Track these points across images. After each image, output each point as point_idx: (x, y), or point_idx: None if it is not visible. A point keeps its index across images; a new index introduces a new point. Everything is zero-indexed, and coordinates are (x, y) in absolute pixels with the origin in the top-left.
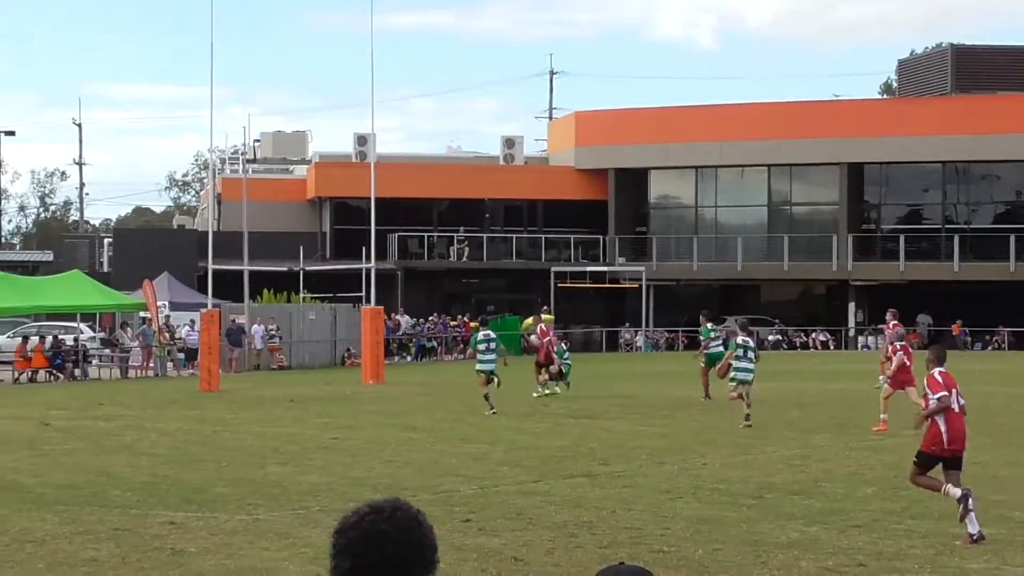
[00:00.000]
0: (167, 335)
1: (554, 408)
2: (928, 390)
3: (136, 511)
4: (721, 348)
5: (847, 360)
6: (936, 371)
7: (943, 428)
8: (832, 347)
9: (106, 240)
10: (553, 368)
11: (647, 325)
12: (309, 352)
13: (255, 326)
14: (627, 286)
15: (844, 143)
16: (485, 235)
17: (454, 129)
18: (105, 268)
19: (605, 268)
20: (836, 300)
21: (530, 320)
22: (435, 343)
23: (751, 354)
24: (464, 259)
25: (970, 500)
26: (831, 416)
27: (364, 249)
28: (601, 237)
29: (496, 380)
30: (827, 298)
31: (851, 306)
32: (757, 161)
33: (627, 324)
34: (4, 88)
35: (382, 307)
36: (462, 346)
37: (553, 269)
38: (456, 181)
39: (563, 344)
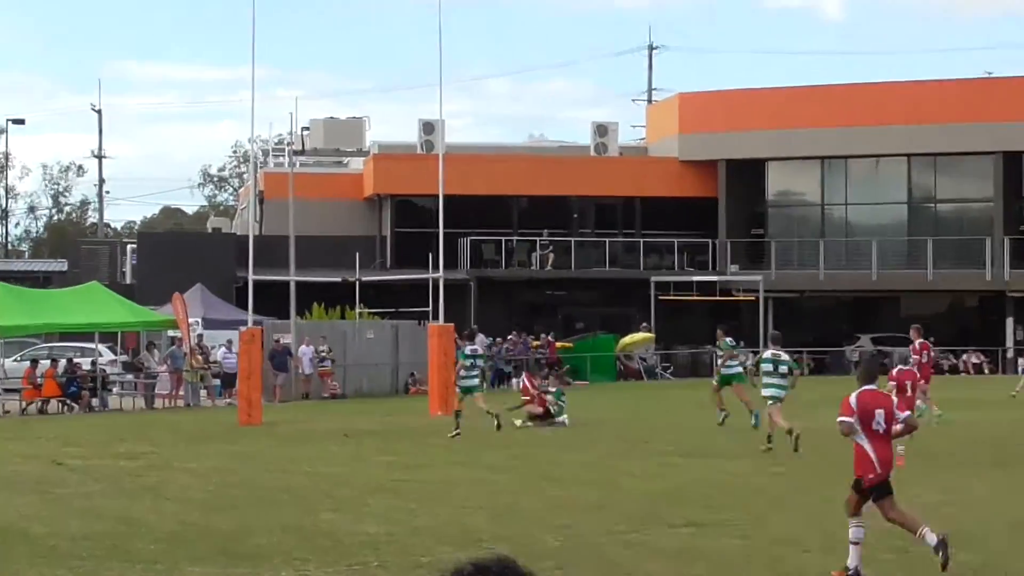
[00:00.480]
0: (200, 358)
1: (657, 445)
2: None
3: (162, 565)
4: (739, 369)
5: (1005, 385)
6: (857, 392)
7: (870, 451)
8: (987, 370)
9: (129, 246)
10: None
11: (765, 346)
12: (367, 377)
13: (303, 347)
14: (741, 299)
15: (999, 128)
16: (573, 239)
17: (536, 115)
18: (128, 279)
19: (715, 278)
20: (991, 315)
21: (628, 339)
22: (514, 366)
23: (783, 368)
24: (548, 267)
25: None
26: (985, 452)
27: (431, 256)
28: (710, 241)
29: (486, 410)
30: (980, 312)
31: (1009, 321)
32: (895, 150)
33: (741, 344)
34: (12, 69)
35: (452, 324)
36: (546, 370)
37: (653, 279)
38: (539, 175)
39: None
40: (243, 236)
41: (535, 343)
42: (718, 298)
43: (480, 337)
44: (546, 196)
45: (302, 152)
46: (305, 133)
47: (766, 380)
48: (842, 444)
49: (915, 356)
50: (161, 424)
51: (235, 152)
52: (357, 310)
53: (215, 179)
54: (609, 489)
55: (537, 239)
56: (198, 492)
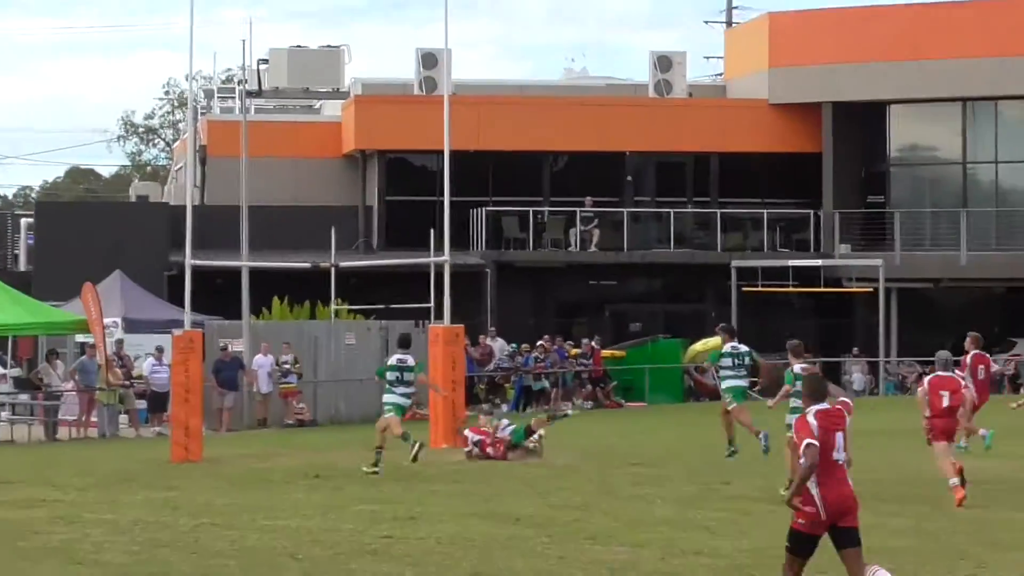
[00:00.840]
0: (119, 372)
1: (741, 488)
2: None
3: None
4: (739, 383)
5: None
6: (812, 410)
7: (815, 491)
8: None
9: (24, 221)
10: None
11: (887, 353)
12: (345, 398)
13: (259, 357)
14: (854, 290)
15: None
16: (625, 210)
17: (575, 42)
18: (22, 265)
19: (818, 262)
20: None
21: (700, 345)
22: (547, 382)
23: (746, 361)
24: (592, 248)
25: None
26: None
27: (433, 233)
28: (811, 213)
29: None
30: None
31: None
32: None
33: (854, 351)
34: None
35: (462, 326)
36: (589, 387)
37: (735, 264)
38: (579, 125)
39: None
40: (178, 207)
41: (574, 351)
42: (823, 290)
43: (500, 342)
44: (589, 152)
45: (258, 94)
46: (263, 68)
47: (725, 375)
48: (1007, 493)
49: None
50: (67, 461)
51: (167, 94)
52: (333, 307)
53: (140, 130)
54: (678, 550)
55: (577, 210)
56: (118, 554)
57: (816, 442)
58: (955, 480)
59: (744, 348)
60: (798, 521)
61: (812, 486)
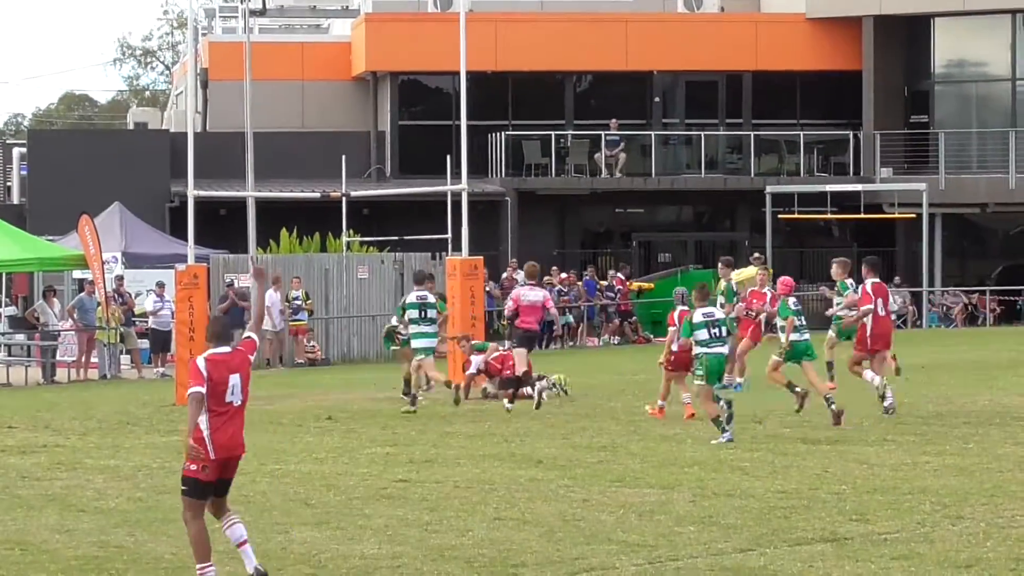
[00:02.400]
0: (118, 309)
1: (774, 427)
2: None
3: None
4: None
5: None
6: (207, 355)
7: (206, 429)
8: None
9: (16, 150)
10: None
11: (931, 283)
12: (359, 335)
13: (268, 292)
14: (897, 216)
15: None
16: (653, 133)
17: None
18: (15, 197)
19: (858, 187)
20: None
21: (734, 276)
22: (572, 317)
23: (431, 313)
24: (618, 173)
25: None
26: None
27: (449, 159)
28: (851, 135)
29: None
30: None
31: None
32: None
33: (896, 281)
34: None
35: (480, 258)
36: (618, 321)
37: (770, 189)
38: (603, 43)
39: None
40: (179, 134)
41: (602, 283)
42: (864, 216)
43: (520, 275)
44: (614, 72)
45: (262, 12)
46: None
47: (413, 330)
48: None
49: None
50: (67, 404)
51: (166, 14)
52: (345, 239)
53: (137, 53)
54: (710, 492)
55: (602, 134)
56: (122, 501)
57: (200, 389)
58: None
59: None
60: (189, 468)
61: (205, 430)
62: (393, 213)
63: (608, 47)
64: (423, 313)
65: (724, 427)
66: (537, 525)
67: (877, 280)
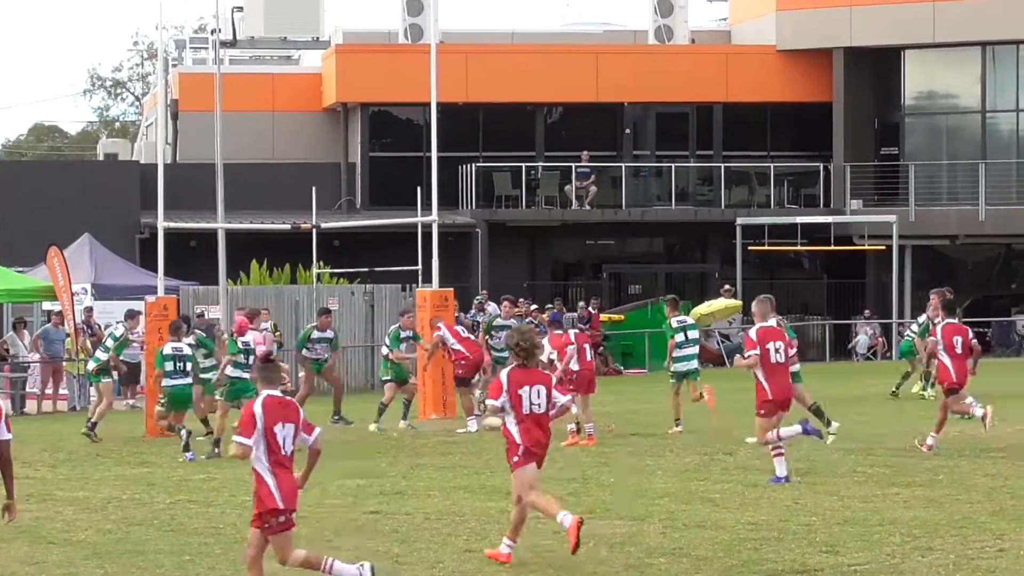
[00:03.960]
0: (88, 341)
1: (745, 459)
2: None
3: None
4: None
5: None
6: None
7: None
8: None
9: None
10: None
11: (900, 315)
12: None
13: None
14: (867, 248)
15: None
16: (624, 165)
17: None
18: None
19: (829, 218)
20: None
21: (704, 308)
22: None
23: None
24: (588, 205)
25: None
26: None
27: (419, 191)
28: (821, 167)
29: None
30: None
31: None
32: None
33: (866, 313)
34: None
35: (451, 290)
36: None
37: (740, 221)
38: (574, 74)
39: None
40: (149, 165)
41: (570, 315)
42: (834, 247)
43: (492, 307)
44: (585, 104)
45: (233, 44)
46: (238, 16)
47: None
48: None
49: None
50: (36, 436)
51: (136, 45)
52: (315, 270)
53: (108, 84)
54: (680, 523)
55: (573, 166)
56: (91, 533)
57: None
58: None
59: (690, 320)
60: None
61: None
62: (364, 245)
63: (579, 79)
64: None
65: None
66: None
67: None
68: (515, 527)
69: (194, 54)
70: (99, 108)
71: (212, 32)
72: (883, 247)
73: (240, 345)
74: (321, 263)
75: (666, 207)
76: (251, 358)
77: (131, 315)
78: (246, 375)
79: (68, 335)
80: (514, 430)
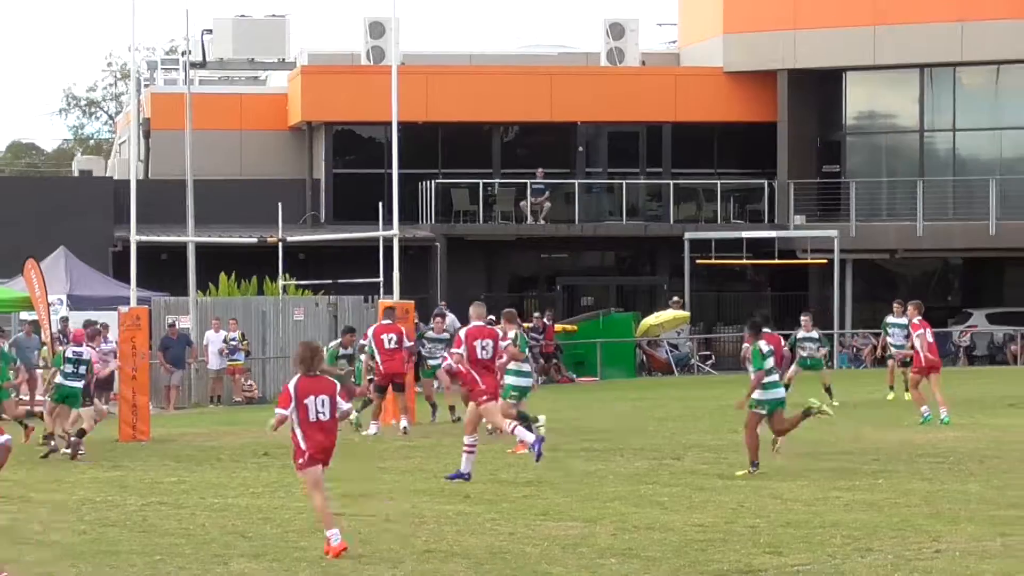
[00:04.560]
0: (62, 349)
1: (692, 463)
2: None
3: None
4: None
5: None
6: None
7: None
8: None
9: None
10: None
11: (841, 326)
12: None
13: (209, 333)
14: (810, 262)
15: None
16: (577, 182)
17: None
18: None
19: (773, 234)
20: None
21: (653, 319)
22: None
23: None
24: (543, 220)
25: None
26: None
27: (382, 206)
28: (766, 183)
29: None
30: None
31: None
32: (1022, 54)
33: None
34: None
35: (412, 301)
36: (542, 361)
37: (688, 236)
38: (530, 95)
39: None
40: (122, 181)
41: (526, 325)
42: (778, 261)
43: (451, 317)
44: (540, 123)
45: (203, 65)
46: (207, 38)
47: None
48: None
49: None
50: (12, 440)
51: (110, 66)
52: (281, 282)
53: (82, 103)
54: (630, 525)
55: (528, 182)
56: (66, 534)
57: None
58: None
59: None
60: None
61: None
62: (328, 258)
63: (534, 99)
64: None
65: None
66: (465, 557)
67: None
68: (326, 519)
69: (165, 75)
70: (74, 127)
71: (183, 54)
72: (825, 261)
73: (72, 355)
74: (287, 275)
75: (617, 222)
76: (81, 368)
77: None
78: (72, 383)
79: (43, 344)
80: (299, 436)
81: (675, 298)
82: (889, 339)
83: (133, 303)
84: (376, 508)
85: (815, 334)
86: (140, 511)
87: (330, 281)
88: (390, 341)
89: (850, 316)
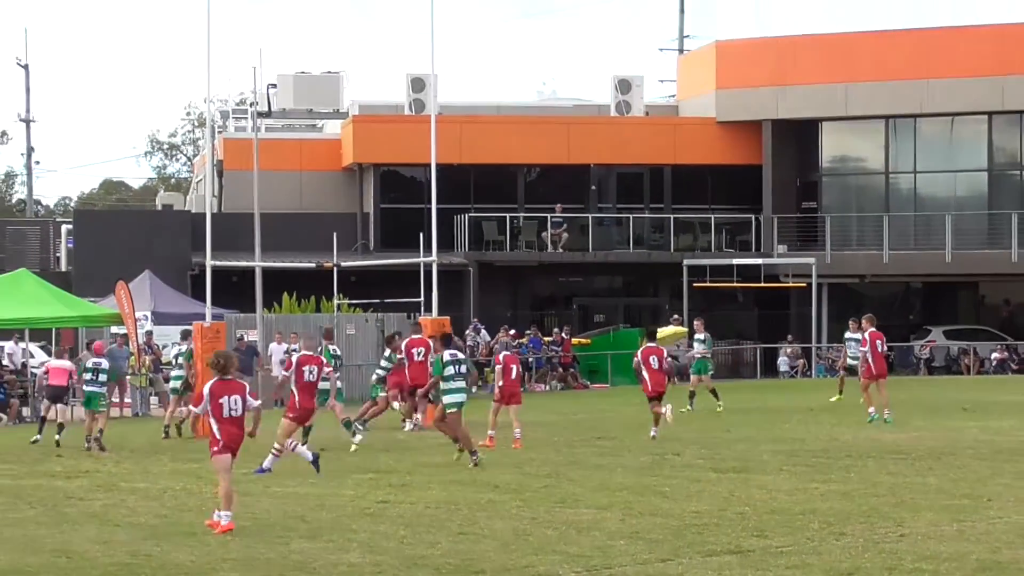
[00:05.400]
0: (148, 359)
1: (690, 458)
2: None
3: None
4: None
5: None
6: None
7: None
8: None
9: (64, 227)
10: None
11: (819, 340)
12: (347, 381)
13: (272, 345)
14: (791, 285)
15: None
16: (591, 215)
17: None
18: (63, 266)
19: (759, 261)
20: None
21: (663, 331)
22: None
23: (463, 368)
24: (561, 249)
25: None
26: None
27: (422, 236)
28: (753, 217)
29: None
30: None
31: None
32: (974, 107)
33: (789, 338)
34: None
35: (448, 318)
36: (560, 370)
37: (686, 262)
38: (550, 140)
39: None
40: (199, 214)
41: (546, 340)
42: (763, 284)
43: (483, 333)
44: (558, 165)
45: (268, 114)
46: (272, 91)
47: (445, 385)
48: (921, 459)
49: (864, 348)
50: (105, 437)
51: (188, 115)
52: (335, 301)
53: (164, 147)
54: (636, 512)
55: (548, 216)
56: (150, 517)
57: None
58: None
59: (461, 356)
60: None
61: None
62: (375, 280)
63: (553, 144)
64: (458, 369)
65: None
66: (494, 539)
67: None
68: (226, 499)
69: (236, 122)
70: (158, 167)
71: (251, 105)
72: (804, 284)
73: (92, 364)
74: (341, 295)
75: (625, 250)
76: (100, 375)
77: (186, 335)
78: (93, 388)
79: (132, 354)
80: (216, 429)
81: (675, 316)
82: (849, 351)
83: (208, 319)
84: (417, 496)
85: (702, 336)
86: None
87: (377, 300)
88: (419, 354)
89: (826, 332)
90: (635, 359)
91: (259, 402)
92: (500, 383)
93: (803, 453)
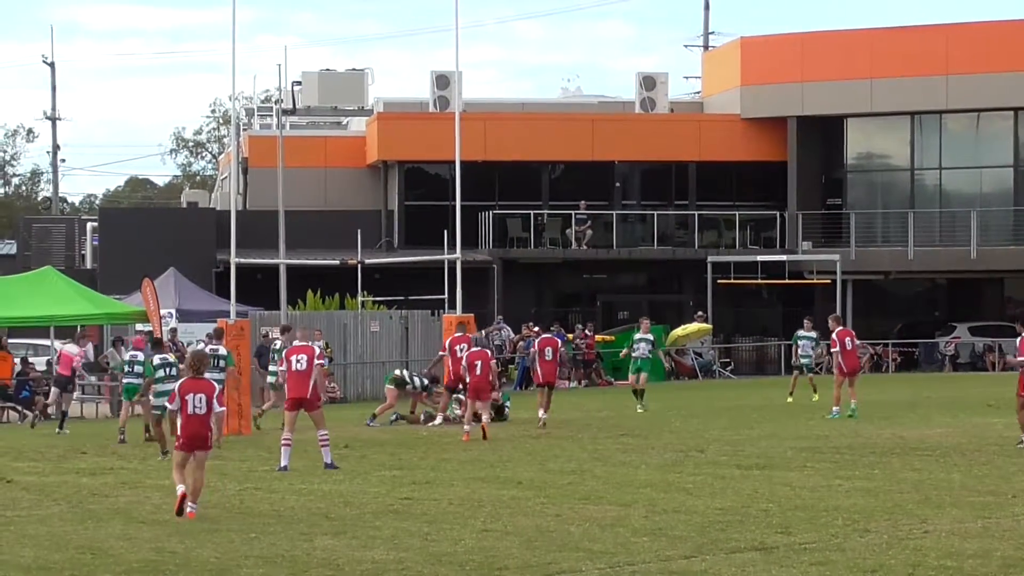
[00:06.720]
0: (173, 356)
1: (714, 455)
2: None
3: None
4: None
5: None
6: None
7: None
8: None
9: (89, 224)
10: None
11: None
12: (371, 378)
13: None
14: (815, 282)
15: None
16: (615, 212)
17: (571, 64)
18: (88, 263)
19: (784, 257)
20: None
21: (680, 331)
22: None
23: (174, 370)
24: (585, 246)
25: None
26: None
27: (446, 233)
28: (778, 214)
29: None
30: None
31: None
32: (1000, 103)
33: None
34: None
35: (472, 315)
36: (583, 368)
37: (710, 259)
38: (574, 137)
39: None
40: (224, 211)
41: (570, 336)
42: (788, 282)
43: (507, 330)
44: (583, 162)
45: (293, 112)
46: (296, 89)
47: None
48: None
49: (834, 349)
50: (130, 434)
51: (213, 112)
52: (359, 298)
53: (190, 144)
54: (660, 508)
55: (572, 213)
56: (174, 514)
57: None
58: None
59: (172, 359)
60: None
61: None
62: (400, 277)
63: (577, 141)
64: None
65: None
66: (517, 535)
67: None
68: (194, 492)
69: (261, 120)
70: (183, 164)
71: (276, 102)
72: (828, 281)
73: (129, 357)
74: (365, 292)
75: (649, 247)
76: (135, 367)
77: (219, 334)
78: (131, 380)
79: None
80: (179, 424)
81: (699, 313)
82: (800, 351)
83: (233, 316)
84: (441, 493)
85: (650, 336)
86: (237, 495)
87: (402, 297)
88: (461, 351)
89: (851, 328)
90: (531, 351)
91: (223, 408)
92: (538, 368)
93: (827, 450)
